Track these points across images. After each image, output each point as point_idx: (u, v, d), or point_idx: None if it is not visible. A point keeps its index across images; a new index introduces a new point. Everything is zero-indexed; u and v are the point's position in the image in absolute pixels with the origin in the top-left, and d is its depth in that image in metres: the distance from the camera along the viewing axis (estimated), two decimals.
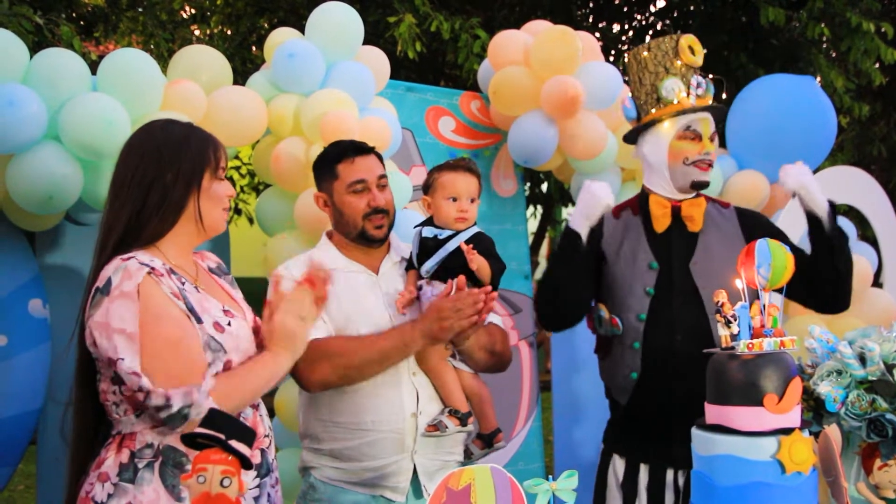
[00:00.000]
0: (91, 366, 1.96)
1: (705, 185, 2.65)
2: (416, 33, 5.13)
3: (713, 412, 1.75)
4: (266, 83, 3.29)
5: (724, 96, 5.37)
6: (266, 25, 6.74)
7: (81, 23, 6.53)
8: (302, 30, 3.38)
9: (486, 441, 2.49)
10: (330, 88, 3.21)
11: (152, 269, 1.88)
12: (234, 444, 1.50)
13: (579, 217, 2.61)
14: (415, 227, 2.53)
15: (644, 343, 2.59)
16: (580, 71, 3.64)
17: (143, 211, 1.94)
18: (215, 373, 1.90)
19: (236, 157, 6.37)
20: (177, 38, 6.53)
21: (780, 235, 2.59)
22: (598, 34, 6.49)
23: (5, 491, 3.39)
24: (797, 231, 3.05)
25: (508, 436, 3.98)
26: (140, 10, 6.91)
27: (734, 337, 1.75)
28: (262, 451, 2.01)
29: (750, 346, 1.71)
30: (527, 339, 4.16)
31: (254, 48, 6.75)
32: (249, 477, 1.93)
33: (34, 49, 2.96)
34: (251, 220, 7.61)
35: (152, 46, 6.36)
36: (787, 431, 1.67)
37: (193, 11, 7.29)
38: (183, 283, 1.94)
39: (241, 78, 3.54)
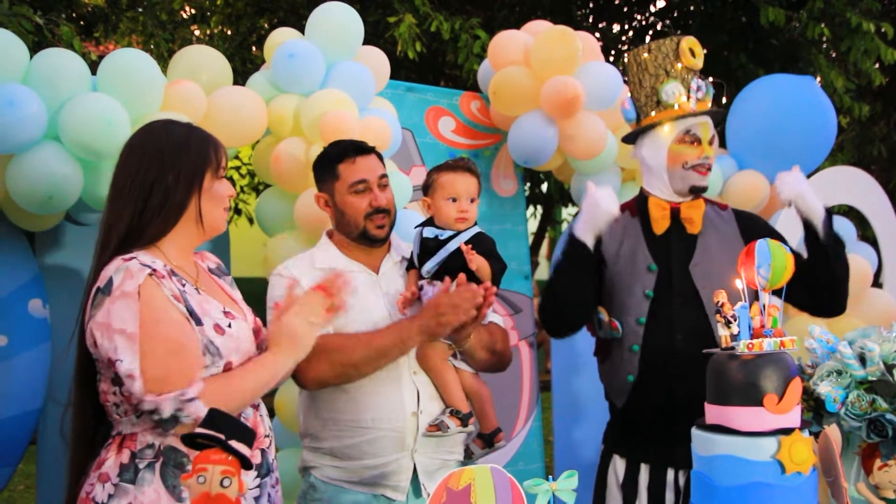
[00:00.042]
0: (91, 366, 1.96)
1: (704, 189, 2.65)
2: (416, 33, 5.13)
3: (713, 412, 1.76)
4: (266, 83, 3.28)
5: (724, 100, 5.39)
6: (266, 25, 6.74)
7: (81, 23, 6.53)
8: (302, 30, 3.38)
9: (487, 441, 2.49)
10: (330, 88, 3.21)
11: (154, 270, 1.88)
12: (234, 444, 1.51)
13: (584, 226, 2.59)
14: (415, 227, 2.53)
15: (643, 345, 2.58)
16: (580, 71, 3.64)
17: (144, 211, 1.93)
18: (210, 375, 1.90)
19: (236, 157, 6.37)
20: (177, 38, 6.53)
21: (777, 238, 2.59)
22: (598, 34, 6.49)
23: (5, 491, 3.38)
24: (796, 232, 3.05)
25: (508, 436, 3.98)
26: (140, 10, 6.91)
27: (734, 337, 1.75)
28: (263, 451, 2.01)
29: (750, 346, 1.71)
30: (527, 339, 4.16)
31: (254, 48, 6.75)
32: (249, 477, 1.93)
33: (34, 49, 2.96)
34: (251, 221, 7.61)
35: (152, 46, 6.36)
36: (787, 432, 1.68)
37: (193, 11, 7.29)
38: (184, 285, 1.94)
39: (241, 78, 3.54)
